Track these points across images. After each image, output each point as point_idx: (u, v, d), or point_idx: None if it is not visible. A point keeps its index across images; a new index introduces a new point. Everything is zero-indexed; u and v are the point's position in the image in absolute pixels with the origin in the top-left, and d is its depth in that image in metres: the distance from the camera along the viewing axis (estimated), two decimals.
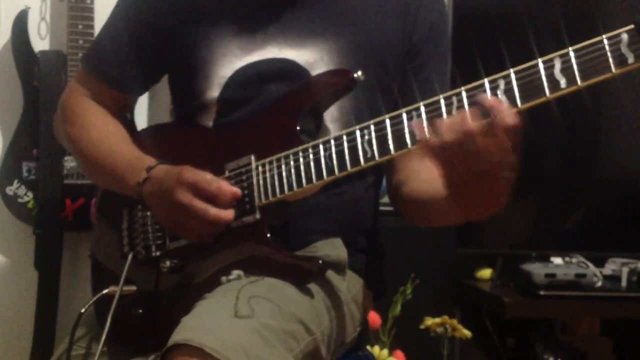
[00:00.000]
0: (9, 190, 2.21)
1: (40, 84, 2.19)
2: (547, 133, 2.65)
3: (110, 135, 1.39)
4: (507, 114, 0.99)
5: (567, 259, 2.50)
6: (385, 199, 1.94)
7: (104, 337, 1.20)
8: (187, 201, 1.19)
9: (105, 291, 1.28)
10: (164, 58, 1.40)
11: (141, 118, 2.33)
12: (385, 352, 2.15)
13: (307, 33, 1.33)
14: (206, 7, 1.36)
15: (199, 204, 1.19)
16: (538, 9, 2.49)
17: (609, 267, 2.52)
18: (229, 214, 1.21)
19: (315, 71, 1.31)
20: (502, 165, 1.02)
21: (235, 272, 1.21)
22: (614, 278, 2.48)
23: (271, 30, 1.33)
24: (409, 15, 1.37)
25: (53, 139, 2.06)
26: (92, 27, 2.17)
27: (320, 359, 1.24)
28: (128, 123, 1.49)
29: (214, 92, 1.35)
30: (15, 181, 2.21)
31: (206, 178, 1.20)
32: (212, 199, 1.20)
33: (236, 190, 1.22)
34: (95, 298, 1.29)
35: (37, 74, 2.21)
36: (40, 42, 2.29)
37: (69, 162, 2.20)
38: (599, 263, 2.52)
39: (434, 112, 1.08)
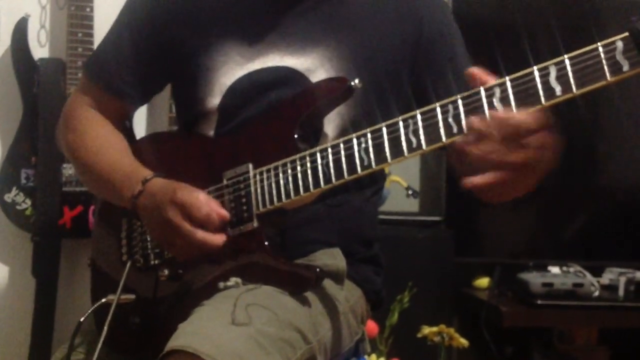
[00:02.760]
0: (7, 197, 2.21)
1: (40, 91, 2.20)
2: None
3: (109, 146, 1.39)
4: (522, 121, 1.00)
5: (564, 268, 2.50)
6: (384, 208, 1.95)
7: (99, 346, 1.20)
8: (176, 221, 1.19)
9: (103, 300, 1.27)
10: (166, 67, 1.40)
11: (140, 127, 2.34)
12: None
13: (308, 40, 1.33)
14: (208, 15, 1.36)
15: (186, 227, 1.18)
16: (537, 17, 2.50)
17: (607, 277, 2.53)
18: (216, 238, 1.20)
19: (316, 78, 1.31)
20: (538, 159, 1.05)
21: (233, 279, 1.21)
22: (612, 287, 2.49)
23: (273, 37, 1.34)
24: (410, 22, 1.37)
25: (52, 147, 2.08)
26: (91, 35, 2.18)
27: None
28: (126, 131, 1.48)
29: (215, 100, 1.35)
30: (14, 188, 2.21)
31: (197, 203, 1.19)
32: (201, 223, 1.19)
33: (225, 213, 1.21)
34: (94, 307, 1.28)
35: (36, 81, 2.21)
36: (39, 50, 2.29)
37: (68, 170, 2.20)
38: (597, 272, 2.52)
39: (430, 120, 1.08)
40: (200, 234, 1.18)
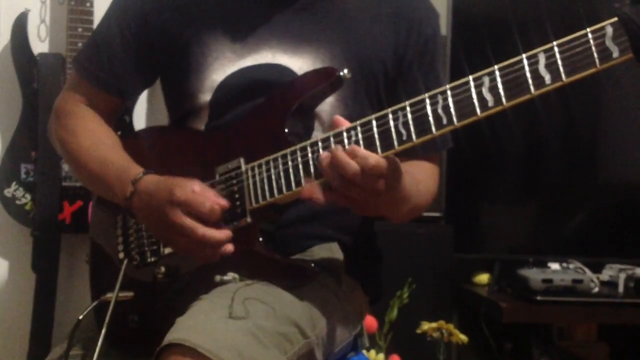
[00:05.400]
0: (7, 192, 2.21)
1: (40, 86, 2.20)
2: (546, 139, 2.66)
3: (100, 143, 1.38)
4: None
5: (564, 264, 2.50)
6: None
7: (100, 343, 1.20)
8: (178, 220, 1.18)
9: (102, 298, 1.27)
10: (157, 61, 1.40)
11: (140, 120, 2.34)
12: (381, 356, 2.16)
13: (301, 39, 1.33)
14: (200, 10, 1.36)
15: (188, 223, 1.18)
16: (536, 12, 2.50)
17: (606, 273, 2.53)
18: (219, 234, 1.18)
19: None
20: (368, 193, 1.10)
21: (230, 274, 1.21)
22: (611, 284, 2.49)
23: (265, 35, 1.33)
24: (401, 29, 1.36)
25: None
26: (91, 30, 2.17)
27: None
28: (126, 126, 1.48)
29: (206, 96, 1.35)
30: (14, 183, 2.22)
31: (198, 198, 1.18)
32: (203, 218, 1.18)
33: (225, 203, 1.20)
34: (92, 305, 1.28)
35: (36, 76, 2.21)
36: (39, 45, 2.29)
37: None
38: (596, 269, 2.52)
39: (419, 112, 1.08)
40: (202, 229, 1.17)
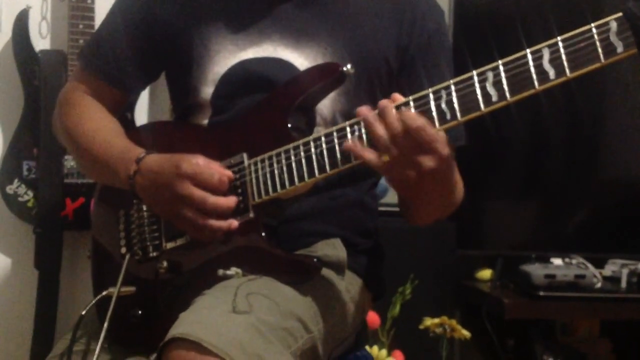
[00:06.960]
0: (9, 189, 2.21)
1: (41, 83, 2.20)
2: (548, 135, 2.66)
3: (104, 128, 1.39)
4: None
5: (566, 260, 2.50)
6: (386, 200, 1.94)
7: (101, 339, 1.20)
8: (187, 191, 1.18)
9: (104, 293, 1.27)
10: (161, 55, 1.41)
11: (142, 117, 2.34)
12: (384, 352, 2.16)
13: (303, 34, 1.33)
14: (203, 3, 1.36)
15: (198, 193, 1.18)
16: (539, 7, 2.50)
17: (609, 268, 2.53)
18: (227, 201, 1.20)
19: None
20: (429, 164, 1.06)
21: (233, 269, 1.21)
22: (614, 279, 2.49)
23: (267, 28, 1.33)
24: (404, 24, 1.36)
25: (53, 138, 2.07)
26: (92, 26, 2.17)
27: (317, 358, 1.24)
28: (127, 123, 1.48)
29: (209, 89, 1.35)
30: (16, 180, 2.22)
31: (205, 170, 1.19)
32: (212, 189, 1.19)
33: (230, 173, 1.21)
34: (94, 300, 1.29)
35: (37, 73, 2.21)
36: (41, 42, 2.29)
37: (69, 162, 2.20)
38: (599, 264, 2.52)
39: (422, 107, 1.08)
40: (212, 198, 1.18)
